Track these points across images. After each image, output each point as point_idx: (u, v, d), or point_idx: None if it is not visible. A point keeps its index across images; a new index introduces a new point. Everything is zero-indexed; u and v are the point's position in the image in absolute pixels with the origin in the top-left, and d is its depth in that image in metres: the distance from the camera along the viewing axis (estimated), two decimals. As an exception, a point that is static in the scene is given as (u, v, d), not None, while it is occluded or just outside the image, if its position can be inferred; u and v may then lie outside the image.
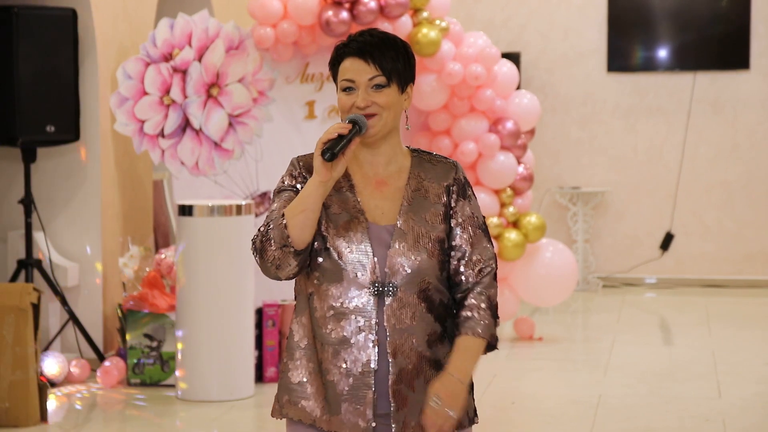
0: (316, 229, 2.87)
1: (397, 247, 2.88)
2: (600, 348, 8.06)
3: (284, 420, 3.03)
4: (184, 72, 7.35)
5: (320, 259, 2.91)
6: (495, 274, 3.02)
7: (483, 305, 2.96)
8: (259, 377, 7.16)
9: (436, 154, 3.08)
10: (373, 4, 7.65)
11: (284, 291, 7.73)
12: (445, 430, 2.87)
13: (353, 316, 2.87)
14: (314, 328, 2.94)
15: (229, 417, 6.52)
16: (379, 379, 2.88)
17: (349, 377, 2.87)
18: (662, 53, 10.87)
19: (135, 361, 7.09)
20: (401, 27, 7.83)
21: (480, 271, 2.98)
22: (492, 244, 3.03)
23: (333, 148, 2.82)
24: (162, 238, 8.73)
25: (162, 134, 7.37)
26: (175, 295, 6.93)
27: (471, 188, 3.03)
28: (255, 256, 2.90)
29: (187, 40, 7.36)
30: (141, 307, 7.10)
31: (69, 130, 7.30)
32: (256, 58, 7.59)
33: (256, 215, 7.67)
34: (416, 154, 3.07)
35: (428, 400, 2.89)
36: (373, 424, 2.88)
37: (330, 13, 7.64)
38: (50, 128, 7.19)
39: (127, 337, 7.09)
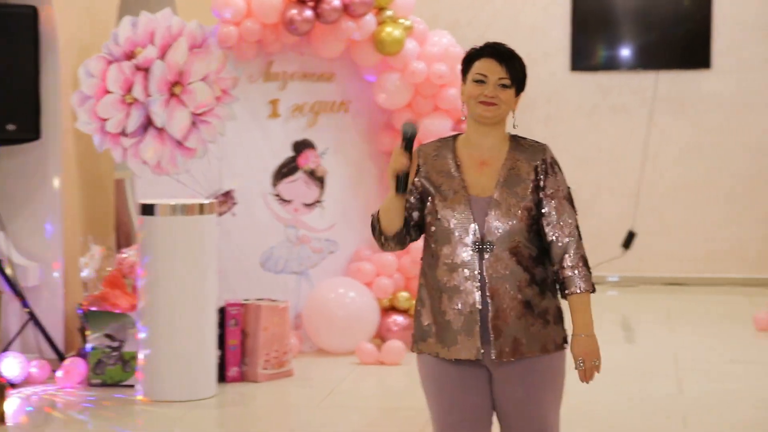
0: (401, 221, 3.71)
1: (492, 214, 3.66)
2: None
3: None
4: (146, 70, 7.31)
5: (433, 228, 3.71)
6: (580, 234, 3.75)
7: (580, 263, 3.73)
8: (222, 377, 7.14)
9: (529, 139, 3.78)
10: (337, 3, 7.63)
11: (246, 290, 7.71)
12: (596, 374, 3.74)
13: (461, 269, 3.66)
14: (433, 281, 3.71)
15: (191, 417, 6.50)
16: (482, 316, 3.65)
17: (461, 316, 3.66)
18: (625, 52, 10.92)
19: (96, 361, 7.05)
20: (365, 25, 7.82)
21: (570, 233, 3.72)
22: (575, 210, 3.76)
23: (404, 185, 3.66)
24: (124, 238, 8.69)
25: (124, 133, 7.33)
26: (137, 294, 6.90)
27: (558, 165, 3.74)
28: (373, 235, 3.78)
29: (150, 39, 7.32)
30: (102, 307, 7.06)
31: (30, 129, 7.25)
32: (219, 56, 7.56)
33: (219, 214, 7.65)
34: (514, 139, 3.77)
35: (575, 365, 3.73)
36: (482, 351, 3.65)
37: (294, 11, 7.62)
38: (11, 127, 7.14)
39: (88, 334, 7.05)
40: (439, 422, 3.78)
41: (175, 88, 7.40)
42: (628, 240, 10.95)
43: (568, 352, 3.82)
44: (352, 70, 8.20)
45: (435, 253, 3.72)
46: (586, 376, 3.77)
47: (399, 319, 8.04)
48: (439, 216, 3.70)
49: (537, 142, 3.79)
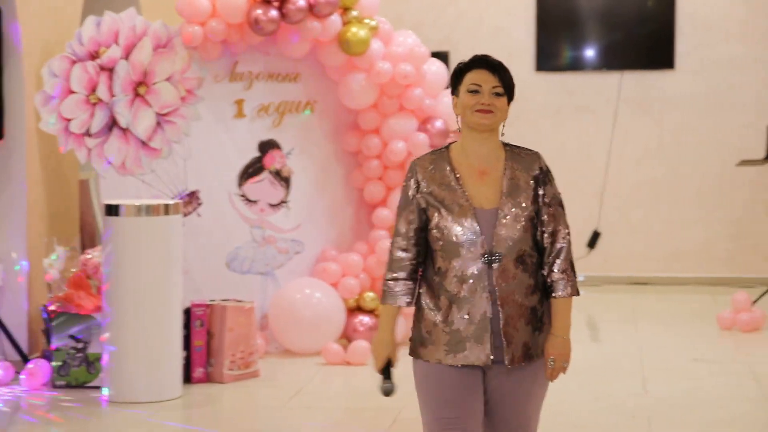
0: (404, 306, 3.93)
1: (501, 226, 3.79)
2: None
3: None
4: (111, 70, 7.29)
5: (441, 242, 3.82)
6: (570, 241, 3.91)
7: (569, 268, 3.89)
8: (187, 378, 7.12)
9: (522, 147, 3.93)
10: (302, 3, 7.63)
11: (211, 291, 7.69)
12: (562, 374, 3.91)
13: (471, 280, 3.80)
14: (440, 291, 3.84)
15: (156, 418, 6.47)
16: (493, 324, 3.81)
17: (471, 324, 3.80)
18: (590, 53, 10.96)
19: (60, 362, 7.01)
20: (330, 26, 7.82)
21: (563, 239, 3.89)
22: (564, 211, 3.94)
23: (387, 390, 3.94)
24: (88, 239, 8.65)
25: (88, 133, 7.30)
26: (102, 295, 6.87)
27: (551, 173, 3.92)
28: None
29: (114, 38, 7.29)
30: (67, 308, 7.02)
31: (-7, 129, 7.21)
32: (184, 56, 7.54)
33: (185, 215, 7.62)
34: (508, 147, 3.92)
35: (546, 362, 3.89)
36: (492, 357, 3.81)
37: (259, 11, 7.61)
38: (-26, 127, 7.09)
39: (53, 336, 7.01)
40: (435, 419, 3.91)
41: (140, 88, 7.37)
42: (593, 240, 11.00)
43: None
44: (317, 71, 8.19)
45: (443, 266, 3.85)
46: (552, 375, 3.94)
47: (365, 319, 8.04)
48: (445, 230, 3.83)
49: (530, 150, 3.94)
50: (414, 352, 3.94)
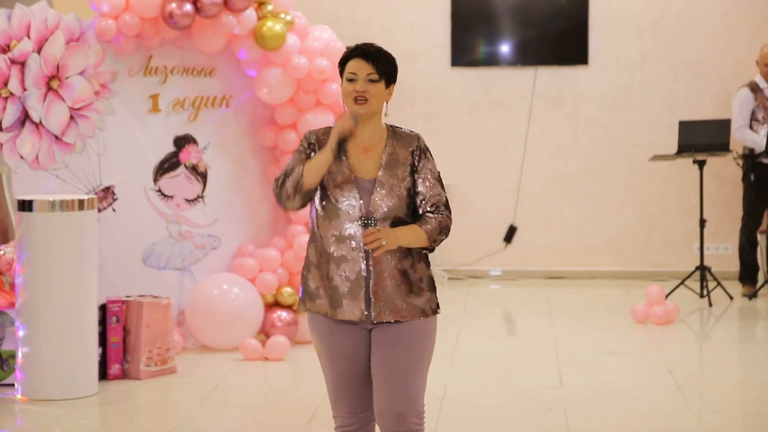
0: (319, 180, 4.16)
1: (377, 193, 4.16)
2: (446, 339, 8.14)
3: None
4: (22, 64, 7.18)
5: (324, 203, 4.19)
6: (449, 209, 4.27)
7: (436, 223, 4.21)
8: (103, 374, 7.05)
9: (404, 128, 4.31)
10: (217, -3, 7.58)
11: (127, 287, 7.62)
12: (369, 246, 4.11)
13: (348, 241, 4.16)
14: (322, 250, 4.21)
15: (71, 416, 6.41)
16: (367, 282, 4.15)
17: (348, 282, 4.16)
18: (505, 48, 11.04)
19: (-27, 360, 6.91)
20: (246, 20, 7.78)
21: (437, 207, 4.24)
22: (445, 191, 4.28)
23: (340, 146, 4.14)
24: (1, 234, 8.51)
25: (0, 128, 7.19)
26: (15, 292, 6.77)
27: (429, 152, 4.29)
28: (275, 190, 4.21)
29: (26, 32, 7.19)
30: (-21, 305, 6.92)
31: None
32: (97, 50, 7.46)
33: (100, 210, 7.55)
34: (390, 128, 4.29)
35: (371, 228, 4.14)
36: (366, 313, 4.15)
37: (173, 5, 7.55)
38: None
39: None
40: (327, 376, 4.30)
41: (53, 82, 7.28)
42: (510, 234, 11.08)
43: (438, 318, 4.33)
44: (233, 65, 8.15)
45: (324, 226, 4.20)
46: (367, 235, 4.11)
47: (283, 314, 8.02)
48: (329, 193, 4.19)
49: (411, 131, 4.31)
50: (303, 306, 4.31)
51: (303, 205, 4.24)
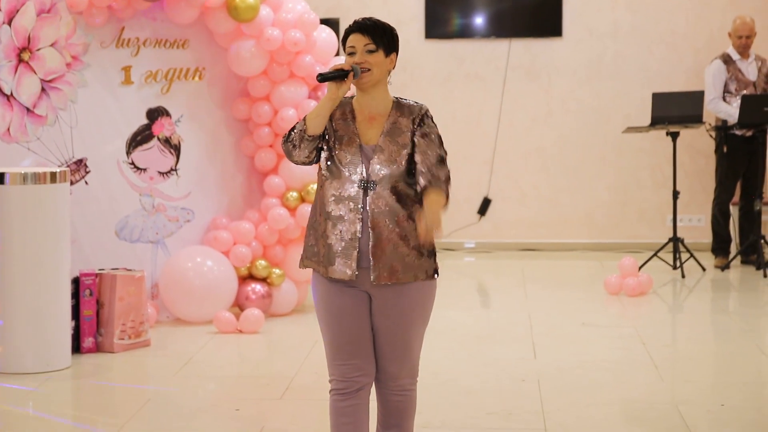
0: (322, 128, 4.30)
1: (377, 158, 4.29)
2: (420, 312, 8.15)
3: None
4: (-7, 36, 7.13)
5: (329, 163, 4.33)
6: (445, 163, 4.39)
7: (442, 178, 4.32)
8: (77, 348, 7.04)
9: (410, 100, 4.43)
10: (190, -32, 7.53)
11: (101, 260, 7.60)
12: (429, 236, 4.17)
13: (347, 201, 4.28)
14: (321, 209, 4.33)
15: (45, 389, 6.39)
16: (362, 243, 4.26)
17: (342, 241, 4.27)
18: (479, 20, 11.02)
19: (-55, 334, 6.87)
20: (219, -8, 7.73)
21: (435, 162, 4.32)
22: (445, 151, 4.40)
23: (325, 74, 4.25)
24: (-27, 208, 8.46)
25: (-29, 100, 7.14)
26: (-13, 265, 6.74)
27: (431, 118, 4.40)
28: (283, 145, 4.34)
29: (-3, 3, 7.13)
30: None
31: None
32: (69, 21, 7.41)
33: (72, 183, 7.51)
34: (396, 99, 4.42)
35: (420, 225, 4.18)
36: (357, 273, 4.26)
37: (146, -24, 7.49)
38: None
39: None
40: (327, 336, 4.37)
41: (24, 54, 7.23)
42: (484, 207, 11.09)
43: (438, 282, 4.37)
44: (206, 37, 8.11)
45: (326, 185, 4.34)
46: (428, 238, 4.17)
47: (257, 287, 8.01)
48: (334, 154, 4.34)
49: (417, 102, 4.44)
50: (302, 263, 4.44)
51: (310, 158, 4.37)
